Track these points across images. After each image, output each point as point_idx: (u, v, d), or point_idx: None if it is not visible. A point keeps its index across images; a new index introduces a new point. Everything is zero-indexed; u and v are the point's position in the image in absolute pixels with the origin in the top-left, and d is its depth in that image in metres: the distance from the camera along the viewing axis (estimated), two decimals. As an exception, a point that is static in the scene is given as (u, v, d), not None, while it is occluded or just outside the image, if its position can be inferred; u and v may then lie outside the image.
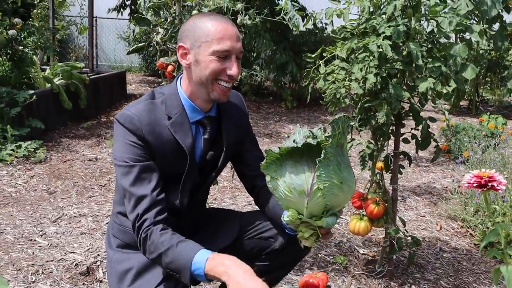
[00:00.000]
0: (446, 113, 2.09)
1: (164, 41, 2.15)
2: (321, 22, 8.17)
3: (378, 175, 2.41)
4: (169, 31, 2.05)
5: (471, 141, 4.23)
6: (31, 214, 3.17)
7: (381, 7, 2.15)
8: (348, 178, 1.43)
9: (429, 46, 2.15)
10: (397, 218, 2.50)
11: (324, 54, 2.23)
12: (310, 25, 8.12)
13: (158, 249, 1.47)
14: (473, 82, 7.71)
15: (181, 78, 1.69)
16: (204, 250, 1.43)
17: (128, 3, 8.48)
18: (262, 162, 1.45)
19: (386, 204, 2.38)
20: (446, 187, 4.12)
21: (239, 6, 2.02)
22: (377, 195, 2.40)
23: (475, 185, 1.11)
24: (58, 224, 3.04)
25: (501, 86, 8.70)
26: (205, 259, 1.40)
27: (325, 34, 7.88)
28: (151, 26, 2.13)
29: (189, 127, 1.63)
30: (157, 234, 1.48)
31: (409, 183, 4.23)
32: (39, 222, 3.04)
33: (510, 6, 2.21)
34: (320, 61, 2.22)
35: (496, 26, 2.15)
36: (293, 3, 7.89)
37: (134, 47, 2.47)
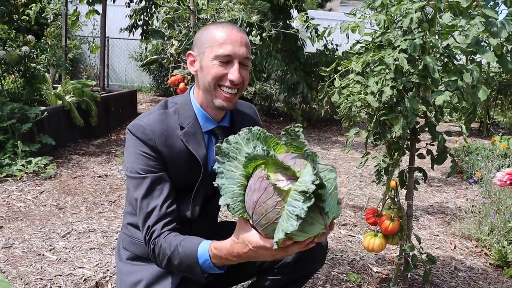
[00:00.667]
0: (463, 127, 2.06)
1: (178, 52, 2.15)
2: (332, 43, 8.22)
3: (392, 191, 2.37)
4: (184, 43, 2.05)
5: (485, 161, 4.18)
6: (40, 229, 3.14)
7: (396, 21, 2.14)
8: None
9: (445, 60, 2.14)
10: (412, 235, 2.45)
11: (339, 68, 2.22)
12: (321, 46, 8.18)
13: (166, 254, 1.46)
14: (484, 104, 7.67)
15: (194, 88, 1.69)
16: (204, 241, 1.43)
17: (140, 23, 8.57)
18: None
19: (401, 221, 2.34)
20: (459, 207, 4.06)
21: (254, 18, 2.02)
22: (392, 211, 2.36)
23: (508, 182, 1.08)
24: (67, 239, 3.01)
25: (512, 109, 8.67)
26: (208, 249, 1.40)
27: (335, 55, 7.91)
28: (165, 39, 2.14)
29: (202, 137, 1.62)
30: (162, 241, 1.47)
31: (421, 202, 4.17)
32: (48, 237, 3.01)
33: None
34: (335, 75, 2.21)
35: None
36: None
37: (148, 59, 2.47)
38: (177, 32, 2.13)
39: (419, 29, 1.98)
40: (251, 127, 1.37)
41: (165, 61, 2.24)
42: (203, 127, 1.63)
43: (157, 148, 1.55)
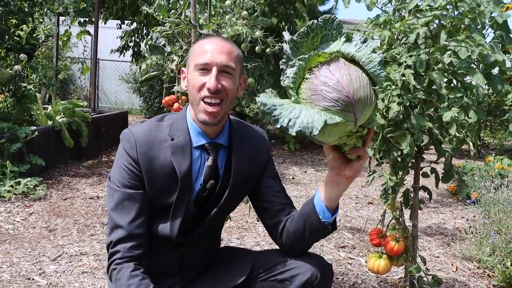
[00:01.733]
0: (471, 144, 2.03)
1: (179, 68, 2.10)
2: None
3: (397, 211, 2.31)
4: (185, 59, 2.01)
5: (482, 181, 4.15)
6: (30, 252, 3.03)
7: (400, 38, 2.12)
8: None
9: (449, 77, 2.11)
10: (417, 256, 2.39)
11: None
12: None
13: (116, 284, 1.45)
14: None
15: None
16: None
17: (131, 44, 8.54)
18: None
19: (406, 241, 2.28)
20: (457, 228, 4.01)
21: (258, 33, 1.98)
22: (397, 232, 2.30)
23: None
24: (58, 262, 2.89)
25: (502, 130, 8.72)
26: None
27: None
28: (165, 55, 2.09)
29: (190, 152, 1.55)
30: (126, 274, 1.44)
31: (419, 223, 4.10)
32: (38, 260, 2.90)
33: (509, 50, 2.20)
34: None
35: (495, 70, 2.16)
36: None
37: (147, 75, 2.42)
38: (177, 47, 2.08)
39: (425, 45, 1.95)
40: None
41: (164, 77, 2.19)
42: (195, 141, 1.57)
43: (136, 159, 1.52)
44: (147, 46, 2.18)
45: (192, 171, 1.55)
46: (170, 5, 2.13)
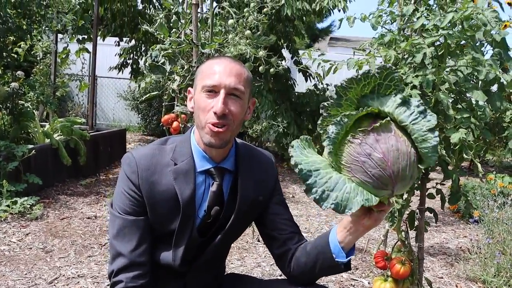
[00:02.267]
0: (479, 166, 1.99)
1: (181, 88, 2.06)
2: (322, 83, 8.25)
3: (403, 233, 2.26)
4: (187, 78, 1.97)
5: (484, 200, 4.11)
6: (26, 274, 2.95)
7: (405, 57, 2.09)
8: None
9: (456, 97, 2.08)
10: (423, 278, 2.33)
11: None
12: (311, 86, 8.21)
13: None
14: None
15: (194, 126, 1.58)
16: None
17: (129, 62, 8.54)
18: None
19: (412, 264, 2.22)
20: (461, 247, 3.96)
21: (262, 53, 1.95)
22: (402, 255, 2.25)
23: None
24: (54, 285, 2.82)
25: (501, 147, 8.70)
26: None
27: (326, 95, 7.90)
28: (166, 74, 2.05)
29: (193, 177, 1.48)
30: None
31: (422, 243, 4.05)
32: (34, 283, 2.83)
33: (507, 68, 2.19)
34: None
35: (494, 87, 2.16)
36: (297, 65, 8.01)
37: (147, 96, 2.38)
38: (178, 67, 2.05)
39: (432, 65, 1.92)
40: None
41: (165, 97, 2.15)
42: (199, 166, 1.50)
43: (138, 184, 1.46)
44: (147, 65, 2.14)
45: (195, 197, 1.49)
46: (171, 24, 2.10)
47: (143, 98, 2.34)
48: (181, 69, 2.05)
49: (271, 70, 2.04)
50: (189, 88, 1.57)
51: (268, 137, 9.08)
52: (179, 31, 2.09)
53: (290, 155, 1.30)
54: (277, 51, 7.86)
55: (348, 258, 1.46)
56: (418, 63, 1.87)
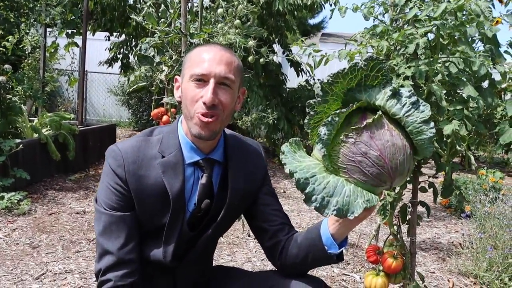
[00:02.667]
0: (472, 158, 1.96)
1: (169, 78, 2.01)
2: (313, 79, 8.22)
3: (395, 227, 2.23)
4: (175, 69, 1.92)
5: (476, 195, 4.10)
6: (12, 270, 2.90)
7: (397, 48, 2.06)
8: None
9: (448, 89, 2.05)
10: (416, 273, 2.31)
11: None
12: (302, 81, 8.17)
13: None
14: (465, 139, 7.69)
15: (182, 116, 1.53)
16: None
17: (119, 56, 8.46)
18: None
19: (404, 258, 2.20)
20: (452, 242, 3.95)
21: (251, 43, 1.90)
22: (394, 249, 2.22)
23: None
24: (41, 281, 2.77)
25: (492, 143, 8.74)
26: None
27: (315, 89, 7.87)
28: (154, 65, 2.01)
29: (182, 170, 1.43)
30: None
31: (413, 238, 4.04)
32: (20, 279, 2.77)
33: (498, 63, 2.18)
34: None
35: (485, 83, 2.15)
36: (287, 57, 7.96)
37: (135, 86, 2.32)
38: (167, 57, 2.00)
39: (424, 56, 1.89)
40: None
41: (153, 88, 2.10)
42: (187, 158, 1.45)
43: (125, 179, 1.40)
44: (136, 57, 2.09)
45: (185, 191, 1.44)
46: (159, 14, 2.05)
47: (130, 89, 2.29)
48: (170, 59, 2.00)
49: (261, 60, 1.99)
50: (176, 77, 1.51)
51: (260, 132, 9.04)
52: (168, 21, 2.04)
53: (283, 162, 1.26)
54: (268, 46, 7.82)
55: (341, 249, 1.43)
56: (411, 53, 1.83)
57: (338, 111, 1.27)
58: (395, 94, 1.28)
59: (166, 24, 1.98)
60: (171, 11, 2.04)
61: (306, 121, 1.36)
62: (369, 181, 1.24)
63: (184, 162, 1.44)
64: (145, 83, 2.22)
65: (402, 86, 1.38)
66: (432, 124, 1.26)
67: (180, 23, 1.93)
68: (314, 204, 1.20)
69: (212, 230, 1.51)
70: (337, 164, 1.27)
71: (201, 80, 1.36)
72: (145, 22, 1.99)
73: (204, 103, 1.34)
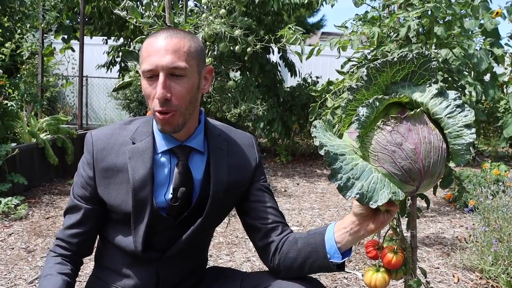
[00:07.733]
0: (472, 150, 1.89)
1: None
2: (311, 77, 8.14)
3: (394, 221, 2.16)
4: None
5: (478, 188, 4.02)
6: (5, 274, 2.84)
7: (390, 35, 2.00)
8: None
9: (444, 75, 1.98)
10: (417, 268, 2.23)
11: (331, 87, 2.04)
12: (300, 80, 8.09)
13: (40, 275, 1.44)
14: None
15: None
16: None
17: (118, 60, 8.42)
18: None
19: (405, 253, 2.12)
20: (457, 237, 3.87)
21: (237, 32, 1.84)
22: (394, 243, 2.15)
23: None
24: (35, 285, 2.71)
25: (496, 137, 8.63)
26: None
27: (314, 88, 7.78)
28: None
29: (150, 157, 1.38)
30: (48, 259, 1.46)
31: (417, 233, 3.96)
32: (13, 284, 2.72)
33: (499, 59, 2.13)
34: (327, 95, 2.03)
35: (487, 76, 2.10)
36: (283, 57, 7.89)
37: (120, 83, 2.27)
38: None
39: (417, 40, 1.83)
40: None
41: (139, 83, 2.03)
42: (160, 145, 1.41)
43: (92, 165, 1.41)
44: (121, 53, 2.03)
45: (153, 178, 1.39)
46: (143, 7, 2.00)
47: (116, 86, 2.23)
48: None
49: (248, 49, 1.93)
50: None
51: (261, 133, 8.97)
52: (152, 14, 1.98)
53: (313, 135, 1.20)
54: (265, 46, 7.74)
55: (344, 259, 1.36)
56: (403, 37, 1.77)
57: (380, 97, 1.22)
58: (441, 94, 1.24)
59: (150, 18, 1.91)
60: (155, 4, 1.98)
61: (343, 104, 1.30)
62: (398, 175, 1.19)
63: (156, 150, 1.42)
64: (130, 79, 2.17)
65: (448, 87, 1.33)
66: (473, 130, 1.20)
67: (165, 15, 1.87)
68: (338, 183, 1.15)
69: (199, 223, 1.44)
70: (368, 150, 1.22)
71: (152, 76, 1.30)
72: (129, 16, 1.94)
73: (157, 99, 1.29)
